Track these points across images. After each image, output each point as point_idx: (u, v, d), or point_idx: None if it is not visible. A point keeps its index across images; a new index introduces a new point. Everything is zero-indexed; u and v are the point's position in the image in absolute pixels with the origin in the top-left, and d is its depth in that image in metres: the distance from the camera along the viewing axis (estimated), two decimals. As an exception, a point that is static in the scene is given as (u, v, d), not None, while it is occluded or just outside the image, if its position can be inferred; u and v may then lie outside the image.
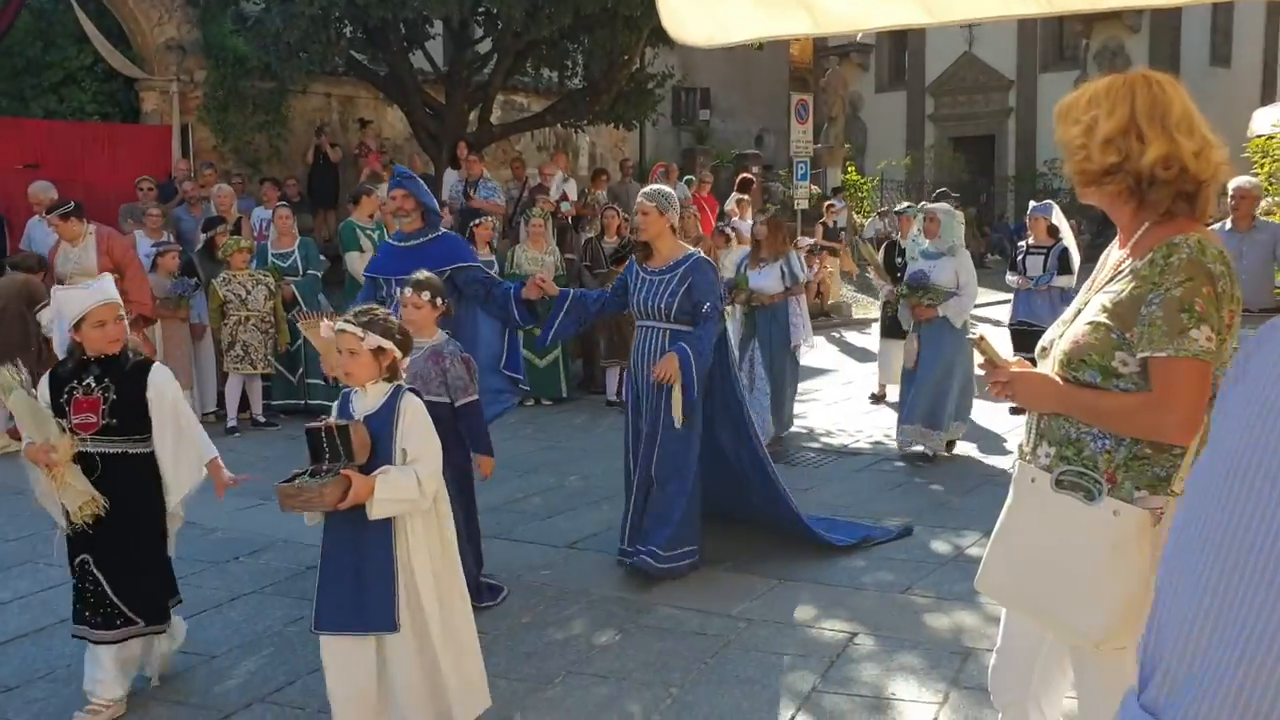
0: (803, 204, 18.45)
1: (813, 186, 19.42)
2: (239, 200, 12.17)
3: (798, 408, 10.13)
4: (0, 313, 8.21)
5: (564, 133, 18.20)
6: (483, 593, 4.93)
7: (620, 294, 5.63)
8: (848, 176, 22.72)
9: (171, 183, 12.52)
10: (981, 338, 2.46)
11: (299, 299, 9.67)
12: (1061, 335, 2.44)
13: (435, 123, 14.63)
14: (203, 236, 10.06)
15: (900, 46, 36.00)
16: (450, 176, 13.54)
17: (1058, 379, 2.39)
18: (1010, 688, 2.66)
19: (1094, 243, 30.08)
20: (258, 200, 13.08)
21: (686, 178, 16.43)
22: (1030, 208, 10.08)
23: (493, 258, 10.32)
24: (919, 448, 7.93)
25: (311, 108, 15.93)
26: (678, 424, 5.24)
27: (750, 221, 15.11)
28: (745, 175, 15.45)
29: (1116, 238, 2.49)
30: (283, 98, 15.06)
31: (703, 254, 5.53)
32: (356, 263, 9.88)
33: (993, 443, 8.46)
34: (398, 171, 6.11)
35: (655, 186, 5.56)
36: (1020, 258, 9.68)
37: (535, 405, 10.22)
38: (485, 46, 14.89)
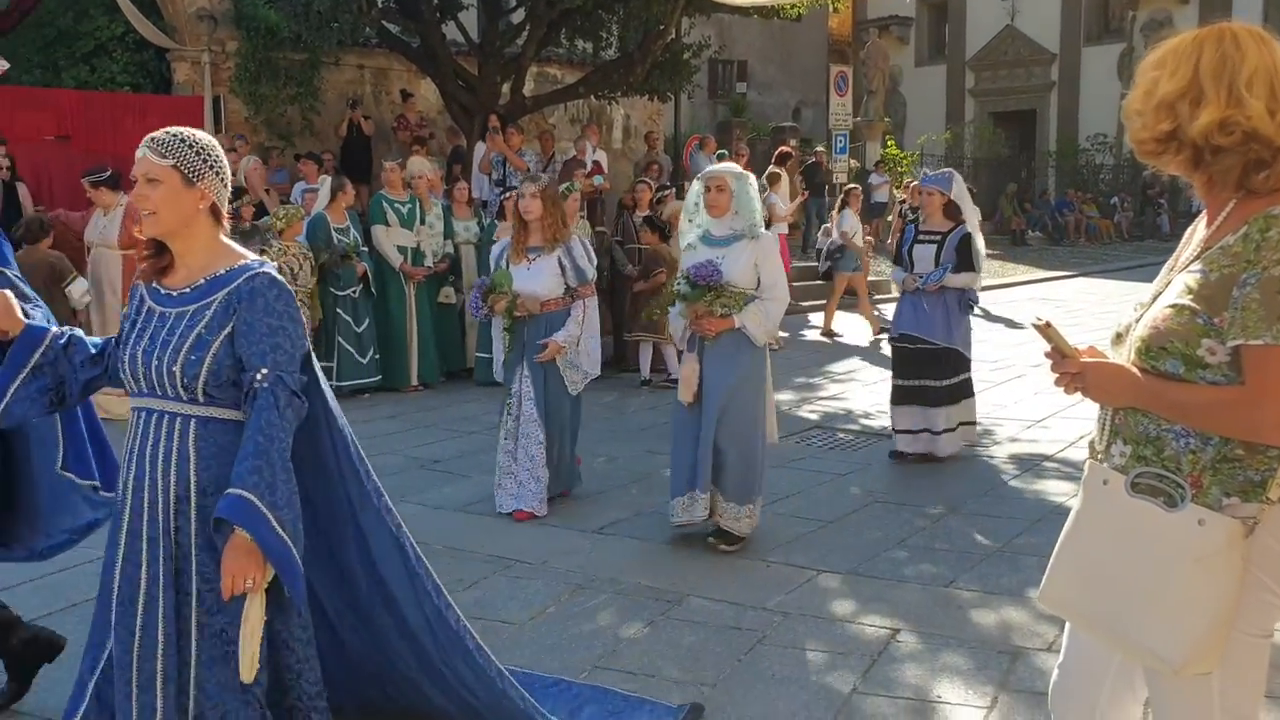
0: (842, 178, 18.14)
1: (852, 161, 19.07)
2: (274, 174, 12.03)
3: (834, 388, 9.94)
4: None
5: (597, 105, 17.93)
6: None
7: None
8: (887, 151, 22.32)
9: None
10: (1048, 323, 2.20)
11: (369, 277, 9.53)
12: (1138, 320, 2.18)
13: (467, 95, 14.42)
14: (230, 207, 9.83)
15: (940, 19, 35.43)
16: (480, 150, 13.35)
17: (1134, 369, 2.14)
18: (1074, 708, 2.42)
19: (1137, 219, 29.68)
20: (292, 175, 12.95)
21: (720, 151, 16.15)
22: (921, 178, 7.53)
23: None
24: (697, 517, 5.41)
25: (344, 80, 15.75)
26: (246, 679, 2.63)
27: (784, 197, 14.77)
28: (784, 149, 15.12)
29: (1203, 213, 2.24)
30: (315, 69, 14.89)
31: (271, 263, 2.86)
32: (382, 237, 9.72)
33: (1035, 426, 8.17)
34: None
35: (175, 131, 2.78)
36: (907, 247, 7.26)
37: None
38: (518, 16, 14.65)
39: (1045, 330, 2.18)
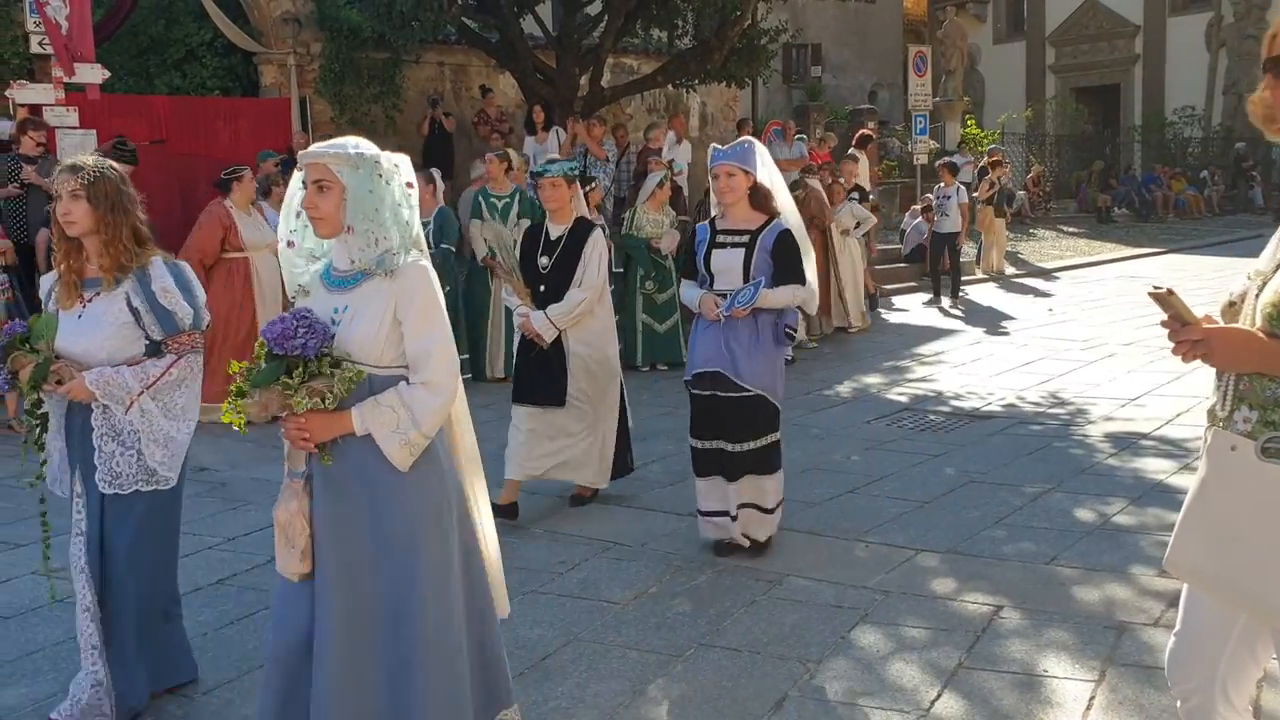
0: (922, 159, 17.96)
1: (931, 142, 18.86)
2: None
3: (923, 370, 9.88)
4: None
5: (674, 93, 17.95)
6: None
7: None
8: (967, 130, 22.00)
9: (293, 155, 12.71)
10: (1170, 290, 2.19)
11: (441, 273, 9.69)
12: (1262, 287, 2.18)
13: (547, 88, 14.54)
14: None
15: (1019, -4, 34.82)
16: (529, 144, 13.47)
17: (1260, 335, 2.14)
18: (1193, 675, 2.42)
19: (1228, 193, 28.87)
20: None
21: (799, 135, 16.07)
22: (711, 154, 5.07)
23: (602, 220, 10.18)
24: None
25: (425, 77, 15.98)
26: None
27: (865, 182, 14.60)
28: (864, 131, 15.03)
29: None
30: (397, 68, 15.14)
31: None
32: (475, 231, 9.85)
33: (1130, 404, 8.05)
34: None
35: None
36: (702, 254, 5.10)
37: (652, 370, 10.10)
38: (595, 8, 14.73)
39: (1166, 298, 2.18)
